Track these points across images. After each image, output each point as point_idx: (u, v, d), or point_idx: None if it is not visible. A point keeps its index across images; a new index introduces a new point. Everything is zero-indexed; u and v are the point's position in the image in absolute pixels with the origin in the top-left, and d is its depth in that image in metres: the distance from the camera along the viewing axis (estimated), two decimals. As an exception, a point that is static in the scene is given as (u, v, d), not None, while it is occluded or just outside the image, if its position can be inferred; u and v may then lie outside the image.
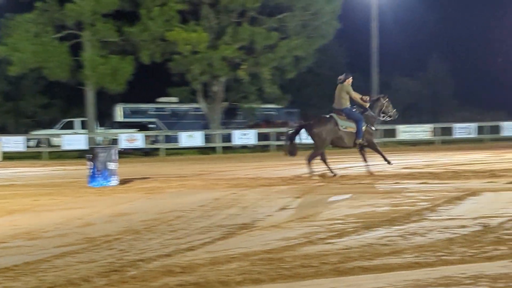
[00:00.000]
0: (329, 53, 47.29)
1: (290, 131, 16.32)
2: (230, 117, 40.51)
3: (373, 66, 38.41)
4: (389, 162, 16.12)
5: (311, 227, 8.35)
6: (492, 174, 14.91)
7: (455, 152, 27.19)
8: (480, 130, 36.60)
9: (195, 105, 38.92)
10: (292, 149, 16.07)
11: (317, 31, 35.13)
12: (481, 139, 35.96)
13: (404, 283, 5.44)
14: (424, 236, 7.45)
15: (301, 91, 48.34)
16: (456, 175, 15.02)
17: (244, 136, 35.49)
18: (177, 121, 39.87)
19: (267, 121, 39.69)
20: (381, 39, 38.69)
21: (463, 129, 36.23)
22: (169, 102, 40.66)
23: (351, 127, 15.57)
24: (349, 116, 15.63)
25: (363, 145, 16.05)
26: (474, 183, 13.12)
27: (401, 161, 21.02)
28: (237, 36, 34.09)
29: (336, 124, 15.47)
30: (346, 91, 15.56)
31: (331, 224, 8.47)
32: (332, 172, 15.62)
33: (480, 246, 6.76)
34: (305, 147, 18.23)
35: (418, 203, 10.23)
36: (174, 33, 32.99)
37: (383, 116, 16.61)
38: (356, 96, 15.81)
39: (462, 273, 5.67)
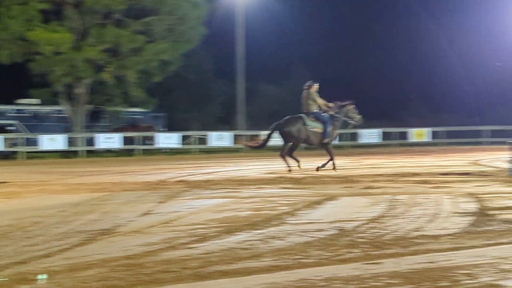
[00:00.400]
0: (196, 58, 47.39)
1: (265, 136, 18.22)
2: (95, 120, 39.64)
3: (239, 73, 38.91)
4: (334, 168, 17.52)
5: (173, 232, 8.35)
6: (350, 179, 15.54)
7: (315, 158, 27.97)
8: (340, 137, 37.90)
9: (57, 107, 37.75)
10: (261, 146, 18.54)
11: (183, 36, 35.13)
12: (341, 146, 37.27)
13: (262, 286, 5.56)
14: (283, 239, 7.65)
15: (168, 95, 48.10)
16: (316, 180, 15.52)
17: (109, 140, 34.86)
18: (38, 123, 38.46)
19: (133, 125, 39.20)
20: (247, 46, 39.26)
21: (323, 135, 37.44)
22: (30, 104, 39.15)
23: (318, 127, 16.93)
24: (318, 118, 17.04)
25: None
26: (333, 188, 13.62)
27: (265, 167, 21.45)
28: (102, 38, 33.46)
29: (304, 123, 16.84)
30: (312, 97, 16.96)
31: (193, 229, 8.50)
32: (289, 167, 17.23)
33: (335, 249, 7.02)
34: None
35: (278, 208, 10.48)
36: (35, 33, 31.92)
37: (349, 121, 18.14)
38: (321, 102, 17.14)
39: (317, 275, 5.87)
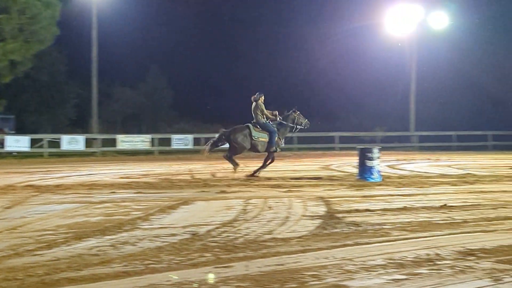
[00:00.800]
0: (48, 59, 45.81)
1: (213, 139, 18.83)
2: None
3: (93, 75, 38.02)
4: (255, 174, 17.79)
5: (19, 238, 8.01)
6: (205, 183, 15.61)
7: (172, 162, 27.97)
8: (197, 141, 38.00)
9: None
10: (211, 150, 18.79)
11: (35, 36, 33.77)
12: (198, 150, 37.36)
13: (111, 292, 5.46)
14: (135, 245, 7.55)
15: (18, 97, 46.12)
16: (171, 184, 15.46)
17: (-48, 143, 32.88)
18: None
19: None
20: (102, 48, 38.47)
21: (180, 140, 37.35)
22: None
23: (263, 137, 17.79)
24: (264, 128, 17.82)
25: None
26: (188, 193, 13.63)
27: (119, 171, 21.12)
28: None
29: (250, 134, 17.71)
30: (260, 108, 17.71)
31: (41, 235, 8.20)
32: (235, 169, 17.91)
33: (187, 253, 7.02)
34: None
35: (131, 213, 10.34)
36: None
37: (296, 127, 18.69)
38: (267, 112, 17.93)
39: (168, 281, 5.84)
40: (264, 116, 17.99)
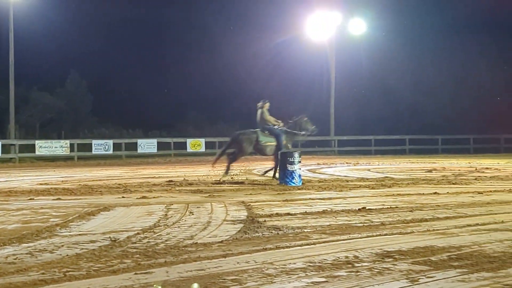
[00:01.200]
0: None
1: (225, 147, 19.43)
2: None
3: (10, 79, 36.98)
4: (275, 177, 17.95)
5: None
6: (126, 189, 15.45)
7: (92, 168, 27.52)
8: (118, 147, 37.55)
9: None
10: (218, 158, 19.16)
11: None
12: (119, 156, 36.93)
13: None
14: (53, 252, 7.40)
15: None
16: (91, 190, 15.22)
17: None
18: None
19: None
20: (19, 52, 37.49)
21: (101, 146, 36.78)
22: None
23: (271, 142, 18.38)
24: (271, 133, 18.40)
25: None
26: (108, 198, 13.46)
27: (37, 177, 20.64)
28: None
29: (257, 139, 18.27)
30: (264, 115, 18.22)
31: (-47, 245, 7.91)
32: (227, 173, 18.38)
33: (106, 260, 6.92)
34: None
35: (50, 220, 10.12)
36: None
37: (304, 133, 19.18)
38: (271, 119, 18.53)
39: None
40: (268, 123, 18.46)
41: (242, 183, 17.42)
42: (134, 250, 7.53)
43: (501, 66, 50.50)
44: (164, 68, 57.14)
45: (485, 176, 19.46)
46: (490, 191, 14.73)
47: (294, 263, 6.80)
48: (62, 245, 7.84)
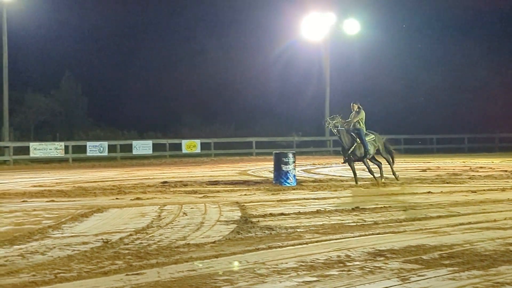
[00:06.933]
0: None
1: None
2: None
3: (4, 81, 36.87)
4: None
5: None
6: (120, 191, 15.42)
7: (87, 170, 27.47)
8: (112, 148, 37.46)
9: None
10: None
11: None
12: (113, 157, 36.86)
13: (18, 303, 5.32)
14: (45, 254, 7.39)
15: None
16: (85, 192, 15.19)
17: None
18: None
19: None
20: (13, 54, 37.41)
21: (95, 147, 36.68)
22: None
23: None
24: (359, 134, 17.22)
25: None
26: (101, 200, 13.43)
27: (31, 179, 20.58)
28: None
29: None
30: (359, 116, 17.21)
31: None
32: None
33: (98, 261, 6.92)
34: None
35: (42, 221, 10.11)
36: None
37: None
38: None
39: (77, 289, 5.75)
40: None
41: (236, 183, 17.40)
42: (126, 251, 7.52)
43: (497, 65, 50.52)
44: (159, 69, 57.07)
45: (479, 175, 19.49)
46: (484, 190, 14.77)
47: (286, 263, 6.81)
48: (54, 247, 7.84)
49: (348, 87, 47.01)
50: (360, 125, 17.29)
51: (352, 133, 17.25)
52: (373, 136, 17.66)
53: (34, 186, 17.45)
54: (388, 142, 18.79)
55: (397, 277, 6.21)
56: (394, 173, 17.70)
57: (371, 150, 17.43)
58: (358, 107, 17.48)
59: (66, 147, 35.94)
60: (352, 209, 11.39)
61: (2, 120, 37.53)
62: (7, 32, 36.33)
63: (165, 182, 17.97)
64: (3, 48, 36.41)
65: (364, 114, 17.47)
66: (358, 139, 17.21)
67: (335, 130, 17.37)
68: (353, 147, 17.20)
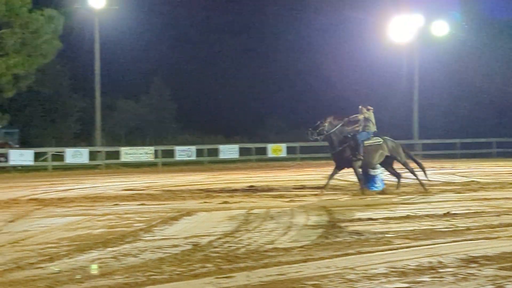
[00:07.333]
0: (51, 73, 45.89)
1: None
2: None
3: (96, 88, 38.08)
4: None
5: (22, 252, 8.03)
6: (208, 195, 15.62)
7: (175, 174, 27.95)
8: (200, 152, 38.00)
9: None
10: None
11: (38, 50, 33.84)
12: (201, 162, 37.40)
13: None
14: (137, 256, 7.55)
15: (22, 111, 46.24)
16: (173, 196, 15.46)
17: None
18: None
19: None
20: (105, 61, 38.54)
21: (184, 152, 37.32)
22: None
23: None
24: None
25: None
26: (190, 204, 13.63)
27: (122, 183, 21.10)
28: (-49, 51, 31.66)
29: None
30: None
31: (43, 248, 8.21)
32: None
33: (188, 264, 7.02)
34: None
35: (134, 224, 10.35)
36: None
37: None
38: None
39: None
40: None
41: (323, 187, 17.29)
42: (216, 254, 7.60)
43: None
44: (245, 74, 57.51)
45: None
46: None
47: (376, 269, 6.71)
48: (146, 249, 8.00)
49: (436, 90, 46.06)
50: (369, 128, 16.53)
51: (347, 135, 16.52)
52: (380, 139, 16.63)
53: (125, 190, 17.89)
54: (406, 148, 17.69)
55: (492, 284, 6.02)
56: (420, 183, 16.36)
57: (376, 158, 16.36)
58: (367, 109, 16.79)
59: (156, 152, 36.74)
60: (443, 214, 11.11)
61: (95, 126, 38.75)
62: (99, 40, 37.53)
63: (252, 186, 18.07)
64: (95, 55, 37.61)
65: (372, 116, 16.67)
66: (352, 142, 16.32)
67: (322, 137, 16.52)
68: (341, 148, 16.35)
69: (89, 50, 38.65)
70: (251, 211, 11.92)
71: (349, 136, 16.46)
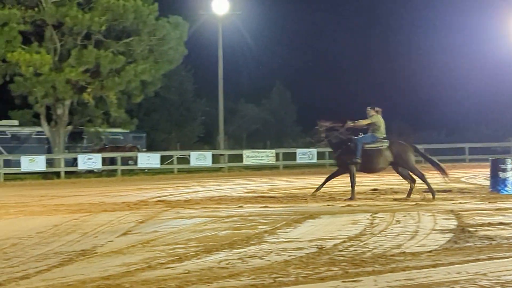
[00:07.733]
0: (177, 78, 47.40)
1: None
2: (75, 141, 39.32)
3: (219, 93, 38.90)
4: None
5: (152, 252, 8.29)
6: (331, 197, 15.56)
7: (297, 176, 28.03)
8: (321, 155, 37.88)
9: (38, 129, 37.42)
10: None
11: (164, 56, 35.06)
12: (322, 164, 37.28)
13: (240, 305, 5.52)
14: (262, 258, 7.61)
15: (149, 115, 48.06)
16: (296, 198, 15.51)
17: (89, 161, 34.58)
18: (18, 145, 38.04)
19: (114, 145, 38.94)
20: (227, 66, 39.34)
21: (305, 154, 37.37)
22: (9, 126, 38.71)
23: None
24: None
25: None
26: (313, 206, 13.62)
27: (245, 186, 21.40)
28: (82, 59, 33.24)
29: None
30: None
31: (172, 249, 8.45)
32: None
33: (314, 267, 7.00)
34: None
35: (258, 227, 10.45)
36: (15, 54, 31.70)
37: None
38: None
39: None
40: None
41: (449, 191, 16.77)
42: (341, 258, 7.54)
43: None
44: (365, 76, 56.96)
45: None
46: None
47: (510, 275, 6.43)
48: (271, 252, 8.05)
49: None
50: (375, 132, 15.61)
51: (346, 137, 15.85)
52: (385, 144, 15.57)
53: (248, 192, 18.13)
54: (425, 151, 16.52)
55: None
56: (430, 189, 15.43)
57: (380, 163, 15.57)
58: (376, 111, 15.85)
59: (277, 155, 37.01)
60: None
61: (218, 130, 39.60)
62: (222, 46, 38.34)
63: (375, 189, 17.80)
64: (218, 60, 38.44)
65: (379, 119, 15.71)
66: (351, 144, 15.67)
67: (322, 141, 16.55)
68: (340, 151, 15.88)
69: (212, 55, 39.55)
70: (376, 215, 11.74)
71: (346, 139, 15.99)
